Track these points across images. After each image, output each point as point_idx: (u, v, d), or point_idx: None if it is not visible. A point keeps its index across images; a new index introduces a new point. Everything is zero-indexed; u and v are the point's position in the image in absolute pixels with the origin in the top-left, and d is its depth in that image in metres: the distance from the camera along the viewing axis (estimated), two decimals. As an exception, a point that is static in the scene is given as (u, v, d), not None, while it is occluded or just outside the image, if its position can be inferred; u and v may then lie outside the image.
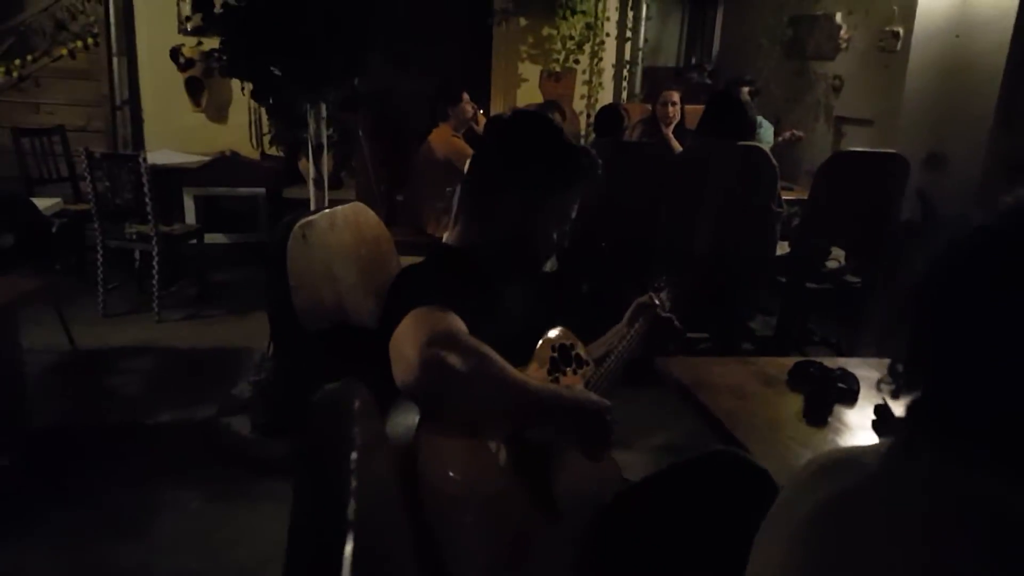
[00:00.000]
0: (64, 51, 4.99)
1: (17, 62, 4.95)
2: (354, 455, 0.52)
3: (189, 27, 5.02)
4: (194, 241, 4.58)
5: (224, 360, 3.62)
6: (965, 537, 0.52)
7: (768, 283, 3.67)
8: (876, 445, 0.62)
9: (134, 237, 4.16)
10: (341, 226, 1.39)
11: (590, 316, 1.65)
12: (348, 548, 0.43)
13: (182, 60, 3.11)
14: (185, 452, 2.80)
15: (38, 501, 2.41)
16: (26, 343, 2.82)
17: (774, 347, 3.72)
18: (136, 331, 3.98)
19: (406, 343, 0.98)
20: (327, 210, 1.37)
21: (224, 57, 2.47)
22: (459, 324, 1.05)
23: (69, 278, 4.58)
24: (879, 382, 0.65)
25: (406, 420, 0.98)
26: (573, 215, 1.37)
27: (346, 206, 1.48)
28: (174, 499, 2.46)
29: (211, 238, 4.84)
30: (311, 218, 1.30)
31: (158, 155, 4.93)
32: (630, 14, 6.23)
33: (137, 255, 4.52)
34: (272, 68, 2.39)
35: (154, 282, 4.10)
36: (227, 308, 4.38)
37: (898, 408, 0.63)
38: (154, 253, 4.08)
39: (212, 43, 2.61)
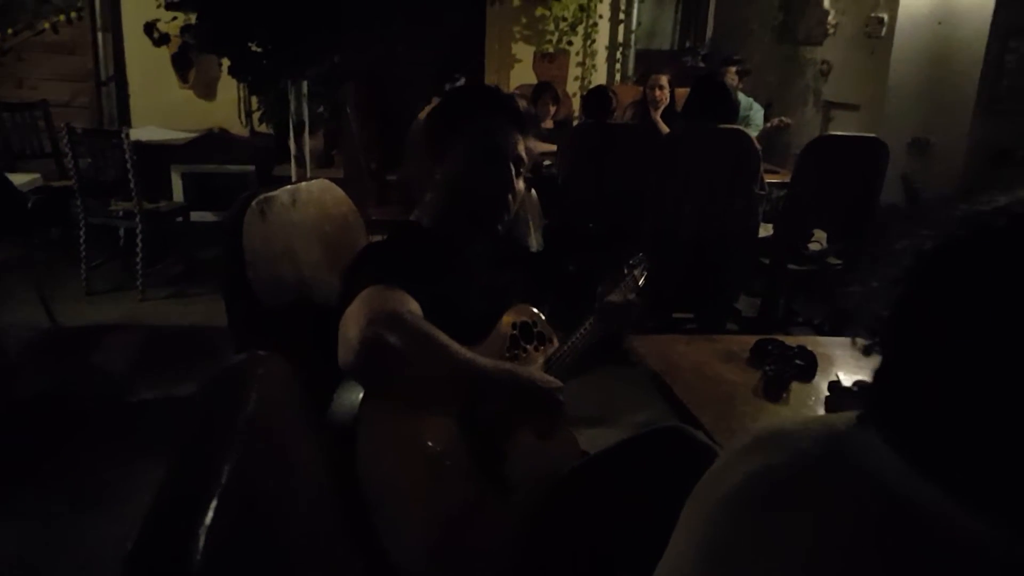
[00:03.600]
0: (47, 24, 4.93)
1: (-3, 35, 4.90)
2: (242, 420, 0.52)
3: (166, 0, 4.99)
4: (180, 219, 4.56)
5: (208, 338, 3.61)
6: (878, 545, 0.49)
7: (752, 265, 3.68)
8: (816, 420, 0.59)
9: (119, 214, 4.14)
10: (304, 202, 1.39)
11: (576, 296, 1.64)
12: (209, 515, 0.43)
13: (156, 35, 3.08)
14: (167, 430, 2.80)
15: (10, 478, 2.40)
16: (6, 319, 2.81)
17: (758, 328, 3.74)
18: (120, 309, 3.97)
19: (350, 323, 0.98)
20: (289, 186, 1.37)
21: (197, 33, 2.44)
22: (407, 303, 1.05)
23: (52, 255, 4.55)
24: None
25: (351, 396, 0.98)
26: (512, 173, 1.27)
27: (312, 182, 1.47)
28: (155, 476, 2.46)
29: (199, 216, 4.81)
30: (271, 194, 1.29)
31: (144, 131, 4.90)
32: (623, -3, 6.20)
33: (122, 232, 4.50)
34: (249, 44, 2.38)
35: (138, 260, 4.08)
36: (212, 286, 4.35)
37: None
38: (138, 230, 4.06)
39: (190, 18, 2.58)
